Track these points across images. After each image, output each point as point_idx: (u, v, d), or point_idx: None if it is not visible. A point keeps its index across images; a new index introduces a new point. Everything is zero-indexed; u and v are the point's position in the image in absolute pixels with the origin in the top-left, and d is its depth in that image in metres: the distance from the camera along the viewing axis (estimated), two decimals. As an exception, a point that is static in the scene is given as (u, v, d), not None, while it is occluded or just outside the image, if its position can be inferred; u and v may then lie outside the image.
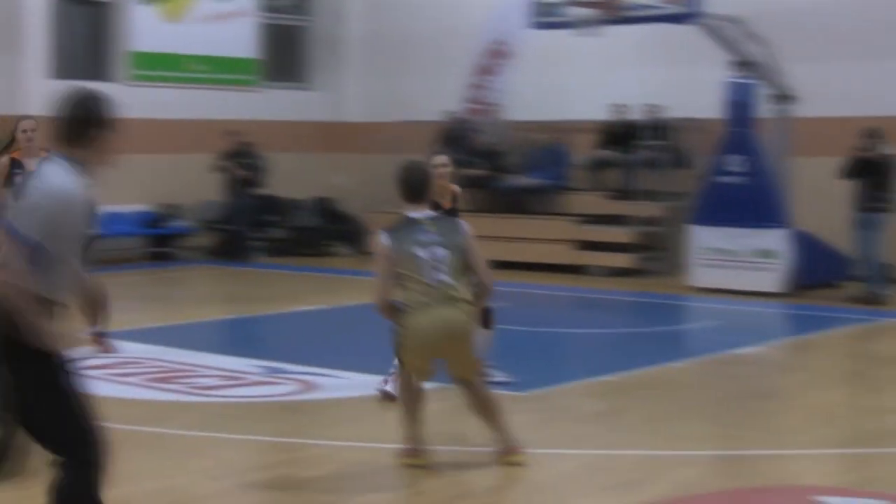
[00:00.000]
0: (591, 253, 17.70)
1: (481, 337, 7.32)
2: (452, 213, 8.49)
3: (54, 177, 4.65)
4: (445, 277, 6.84)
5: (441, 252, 6.87)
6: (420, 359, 7.00)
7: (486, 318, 8.18)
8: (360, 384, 9.20)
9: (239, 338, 12.88)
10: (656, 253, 17.88)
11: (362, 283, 17.36)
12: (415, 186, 7.02)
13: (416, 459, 7.07)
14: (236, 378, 9.75)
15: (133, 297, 15.73)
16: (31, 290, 4.48)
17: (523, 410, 8.46)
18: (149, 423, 8.04)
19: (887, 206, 14.62)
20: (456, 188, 9.20)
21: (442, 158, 9.21)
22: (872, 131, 14.74)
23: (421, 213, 7.01)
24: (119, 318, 13.03)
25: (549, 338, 12.47)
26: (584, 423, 8.42)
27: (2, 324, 4.51)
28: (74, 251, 4.66)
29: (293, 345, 11.85)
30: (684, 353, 11.61)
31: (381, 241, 6.95)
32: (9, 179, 8.89)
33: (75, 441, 4.65)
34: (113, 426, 4.92)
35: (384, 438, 7.45)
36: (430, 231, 6.92)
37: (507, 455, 7.13)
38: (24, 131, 9.18)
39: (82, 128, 4.80)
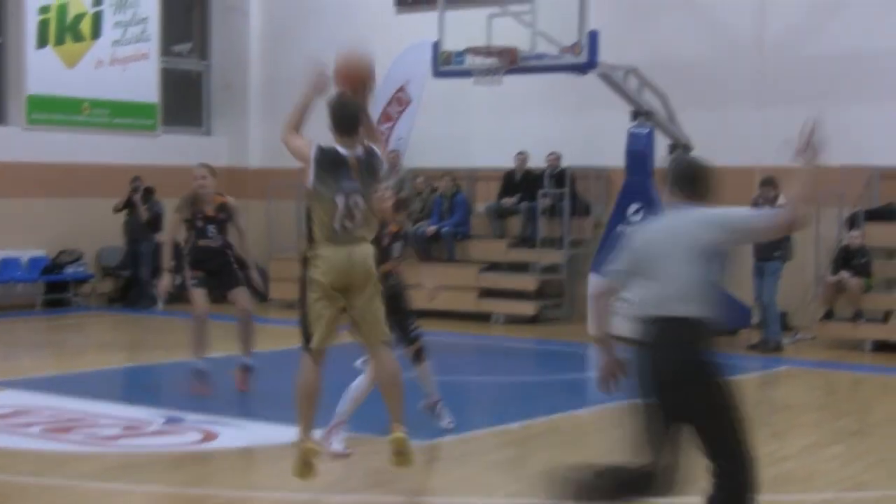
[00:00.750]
0: (493, 300, 17.76)
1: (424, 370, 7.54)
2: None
3: None
4: (353, 225, 7.10)
5: (359, 201, 7.11)
6: (327, 301, 7.06)
7: (418, 353, 8.46)
8: (262, 433, 9.08)
9: (139, 386, 12.65)
10: (557, 300, 18.01)
11: (264, 330, 17.20)
12: (346, 119, 7.38)
13: (314, 449, 7.07)
14: (136, 427, 9.58)
15: (26, 345, 15.45)
16: None
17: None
18: (43, 475, 7.84)
19: (783, 255, 14.90)
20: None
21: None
22: (768, 180, 15.04)
23: (350, 150, 7.25)
24: (10, 366, 12.85)
25: (453, 385, 12.42)
26: (491, 470, 8.41)
27: None
28: None
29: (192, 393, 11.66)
30: (587, 401, 11.65)
31: (311, 144, 7.41)
32: None
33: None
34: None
35: (286, 487, 7.35)
36: (353, 176, 7.14)
37: (392, 434, 7.25)
38: None
39: None
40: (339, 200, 7.09)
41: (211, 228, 11.15)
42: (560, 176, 17.90)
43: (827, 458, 8.99)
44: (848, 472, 8.43)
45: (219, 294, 11.37)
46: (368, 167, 7.25)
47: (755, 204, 14.90)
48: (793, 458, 8.90)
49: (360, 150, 7.28)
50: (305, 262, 7.28)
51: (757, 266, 14.96)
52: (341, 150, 7.24)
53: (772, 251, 14.75)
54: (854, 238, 15.33)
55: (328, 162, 7.20)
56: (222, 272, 11.28)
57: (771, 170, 15.50)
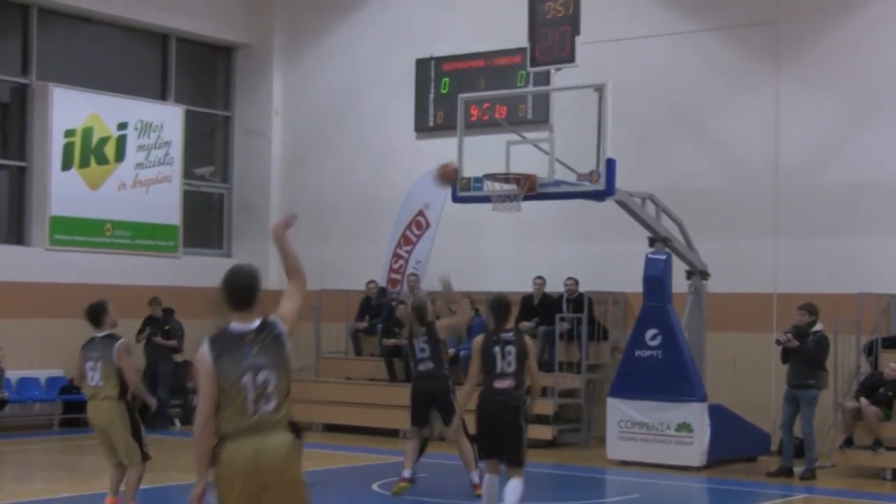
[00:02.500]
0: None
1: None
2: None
3: None
4: (269, 406, 5.98)
5: (266, 376, 6.01)
6: None
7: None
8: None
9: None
10: (575, 425, 17.95)
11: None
12: (240, 292, 6.16)
13: None
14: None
15: (40, 466, 15.43)
16: None
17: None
18: None
19: (818, 383, 14.78)
20: None
21: None
22: (812, 308, 14.96)
23: (246, 325, 6.12)
24: (23, 487, 12.81)
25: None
26: None
27: None
28: None
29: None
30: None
31: (205, 356, 6.04)
32: None
33: None
34: None
35: None
36: (255, 351, 6.03)
37: None
38: None
39: None
40: (246, 381, 5.99)
41: None
42: (578, 300, 17.97)
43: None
44: None
45: None
46: (270, 339, 6.14)
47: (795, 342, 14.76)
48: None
49: (255, 324, 6.16)
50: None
51: (790, 393, 14.88)
52: (235, 327, 6.16)
53: (806, 379, 14.66)
54: (892, 369, 15.06)
55: (224, 346, 6.07)
56: None
57: (782, 298, 15.57)
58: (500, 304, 10.50)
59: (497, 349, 10.13)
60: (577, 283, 18.12)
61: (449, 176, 13.83)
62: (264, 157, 22.32)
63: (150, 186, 20.59)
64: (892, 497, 13.63)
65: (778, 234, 17.20)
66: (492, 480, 10.31)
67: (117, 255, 20.07)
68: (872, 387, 15.17)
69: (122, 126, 20.32)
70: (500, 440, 10.10)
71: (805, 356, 14.66)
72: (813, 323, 14.80)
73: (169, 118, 20.98)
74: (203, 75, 22.69)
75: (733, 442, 15.67)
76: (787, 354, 14.87)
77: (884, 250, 16.42)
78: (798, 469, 14.73)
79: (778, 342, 14.94)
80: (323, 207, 21.55)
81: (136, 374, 11.20)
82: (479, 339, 10.24)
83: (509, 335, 10.24)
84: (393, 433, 18.27)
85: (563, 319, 17.88)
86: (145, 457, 10.77)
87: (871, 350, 15.71)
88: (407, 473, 12.61)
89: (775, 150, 17.33)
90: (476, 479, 12.14)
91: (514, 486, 10.02)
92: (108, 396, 10.76)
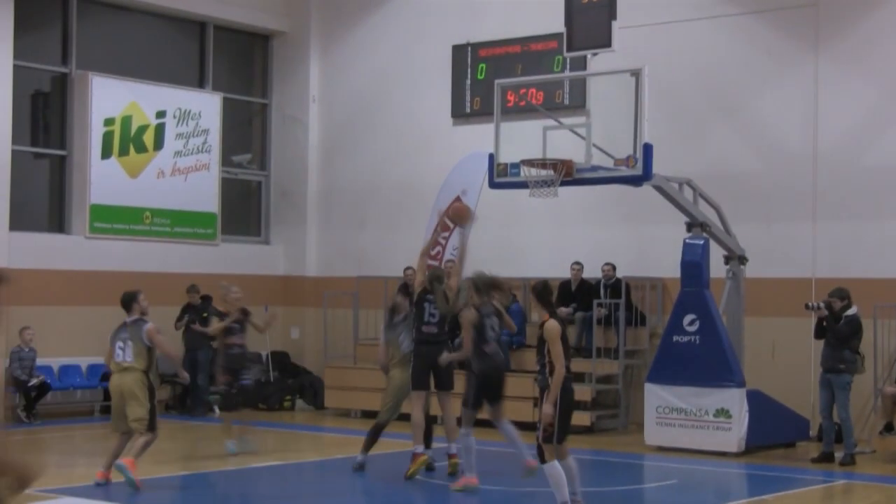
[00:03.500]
0: (547, 409, 17.67)
1: None
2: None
3: None
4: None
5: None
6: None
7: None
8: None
9: (192, 496, 12.70)
10: (613, 410, 17.93)
11: (320, 438, 17.29)
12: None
13: None
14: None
15: (83, 452, 15.56)
16: None
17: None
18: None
19: (850, 367, 14.73)
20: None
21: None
22: (842, 292, 14.91)
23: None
24: (66, 473, 12.94)
25: (507, 495, 12.41)
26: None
27: None
28: None
29: (248, 502, 11.71)
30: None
31: None
32: None
33: None
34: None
35: None
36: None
37: None
38: None
39: None
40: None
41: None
42: (615, 286, 17.94)
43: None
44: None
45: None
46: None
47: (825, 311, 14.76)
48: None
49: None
50: None
51: (824, 378, 14.83)
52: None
53: (838, 363, 14.61)
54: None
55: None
56: None
57: (821, 282, 15.50)
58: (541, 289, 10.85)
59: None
60: (614, 268, 18.09)
61: (462, 214, 14.08)
62: (301, 144, 22.38)
63: (188, 174, 20.70)
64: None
65: (816, 218, 17.09)
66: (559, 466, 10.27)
67: (156, 243, 20.20)
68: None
69: (161, 114, 20.43)
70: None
71: (836, 338, 14.61)
72: (846, 307, 14.73)
73: (207, 106, 21.07)
74: (241, 63, 22.77)
75: (772, 428, 15.61)
76: (820, 331, 14.82)
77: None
78: (838, 455, 14.65)
79: (807, 307, 14.90)
80: (360, 194, 21.60)
81: (171, 347, 12.78)
82: (557, 326, 10.39)
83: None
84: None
85: (600, 305, 17.85)
86: (153, 427, 11.97)
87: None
88: (420, 449, 12.69)
89: (814, 134, 17.21)
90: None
91: None
92: (135, 369, 11.95)
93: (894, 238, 16.49)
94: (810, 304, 14.94)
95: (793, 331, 16.68)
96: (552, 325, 10.34)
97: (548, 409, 9.92)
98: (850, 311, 14.73)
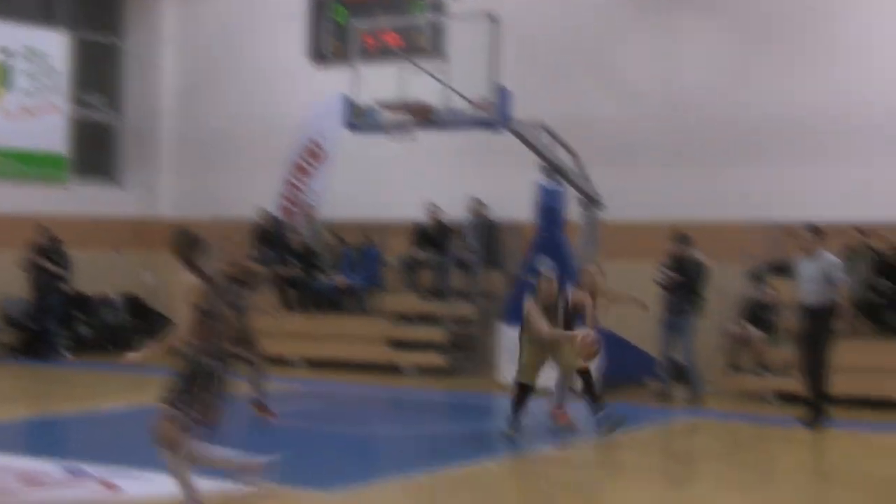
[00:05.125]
0: (403, 352, 17.80)
1: None
2: None
3: None
4: None
5: None
6: None
7: None
8: (163, 485, 8.97)
9: (41, 438, 12.48)
10: (468, 352, 18.09)
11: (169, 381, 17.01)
12: None
13: None
14: (37, 480, 9.44)
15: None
16: None
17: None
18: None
19: (693, 309, 15.15)
20: None
21: None
22: (682, 237, 15.26)
23: None
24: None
25: (360, 437, 12.45)
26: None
27: None
28: None
29: (98, 445, 11.56)
30: (496, 452, 11.72)
31: None
32: None
33: None
34: None
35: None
36: None
37: None
38: None
39: None
40: None
41: None
42: (472, 229, 18.05)
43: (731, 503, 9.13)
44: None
45: None
46: None
47: (667, 260, 15.13)
48: (695, 506, 9.03)
49: None
50: None
51: (669, 320, 15.20)
52: None
53: (683, 306, 15.01)
54: (759, 292, 15.61)
55: None
56: None
57: (680, 225, 15.81)
58: None
59: None
60: (478, 207, 18.20)
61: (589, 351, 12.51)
62: (156, 86, 21.96)
63: (36, 115, 20.14)
64: (774, 419, 13.95)
65: (671, 164, 17.38)
66: None
67: (3, 185, 19.65)
68: (755, 312, 15.55)
69: (8, 52, 19.81)
70: None
71: (683, 284, 15.02)
72: (688, 251, 15.13)
73: (55, 44, 20.49)
74: (92, 2, 22.16)
75: (623, 366, 15.89)
76: (668, 283, 15.20)
77: (773, 179, 16.68)
78: (684, 394, 15.06)
79: (660, 283, 15.24)
80: (217, 137, 21.31)
81: None
82: (195, 283, 7.99)
83: None
84: (286, 361, 18.28)
85: (457, 248, 17.94)
86: None
87: (757, 278, 16.02)
88: None
89: (670, 81, 17.49)
90: None
91: None
92: None
93: (742, 183, 16.87)
94: (660, 280, 15.26)
95: (647, 274, 16.93)
96: (188, 281, 7.99)
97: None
98: (694, 256, 15.11)
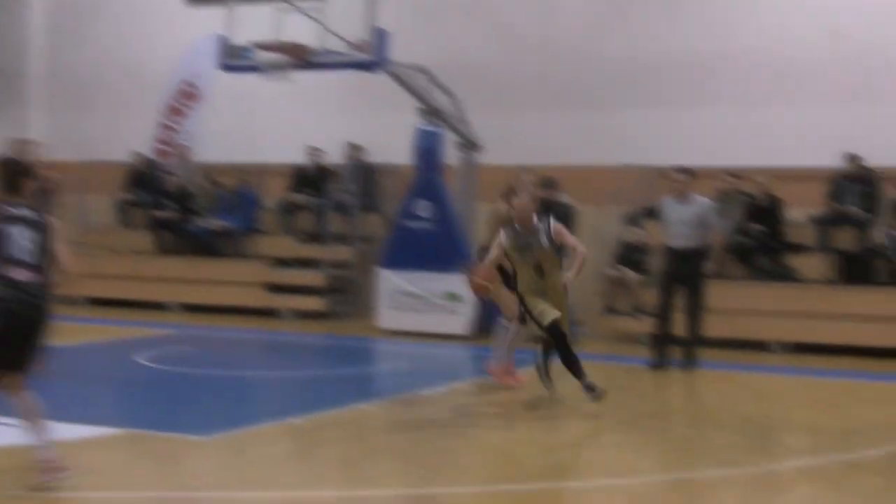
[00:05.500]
0: (281, 296, 17.70)
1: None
2: None
3: None
4: None
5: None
6: None
7: None
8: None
9: None
10: (346, 296, 18.06)
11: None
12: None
13: None
14: None
15: None
16: None
17: (207, 454, 8.38)
18: None
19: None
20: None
21: None
22: (547, 181, 15.38)
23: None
24: None
25: (236, 381, 12.38)
26: (271, 465, 8.39)
27: None
28: None
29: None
30: (373, 395, 11.76)
31: None
32: None
33: None
34: None
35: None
36: None
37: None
38: None
39: None
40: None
41: None
42: (351, 172, 17.96)
43: (601, 446, 9.27)
44: (619, 459, 8.71)
45: None
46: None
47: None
48: (569, 448, 9.16)
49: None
50: None
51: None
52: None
53: None
54: (633, 234, 15.87)
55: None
56: None
57: (552, 170, 15.90)
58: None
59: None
60: (351, 153, 18.11)
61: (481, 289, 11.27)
62: (23, 22, 21.35)
63: None
64: (646, 359, 14.16)
65: (548, 108, 17.48)
66: None
67: None
68: (631, 255, 15.78)
69: None
70: None
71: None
72: (555, 195, 15.25)
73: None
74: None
75: (500, 311, 15.99)
76: None
77: (647, 123, 16.87)
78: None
79: None
80: (88, 76, 20.81)
81: None
82: None
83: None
84: (161, 306, 18.08)
85: (336, 191, 17.84)
86: None
87: (633, 221, 16.23)
88: None
89: (546, 23, 17.54)
90: None
91: None
92: None
93: (618, 126, 17.02)
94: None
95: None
96: None
97: None
98: (561, 199, 15.27)
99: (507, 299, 11.40)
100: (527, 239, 10.27)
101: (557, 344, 10.29)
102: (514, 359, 11.69)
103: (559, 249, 10.40)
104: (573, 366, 10.40)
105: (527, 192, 10.88)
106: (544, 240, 10.25)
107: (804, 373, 13.34)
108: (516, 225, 10.28)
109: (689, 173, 13.08)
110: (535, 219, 10.29)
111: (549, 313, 10.20)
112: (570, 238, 10.47)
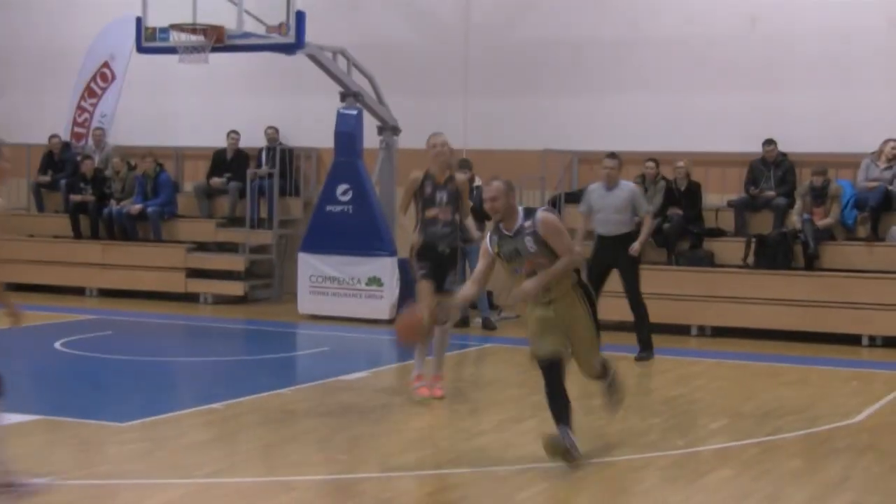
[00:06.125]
0: (200, 280, 17.52)
1: None
2: None
3: None
4: None
5: None
6: None
7: None
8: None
9: None
10: (267, 280, 17.93)
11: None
12: None
13: None
14: None
15: None
16: None
17: (125, 441, 8.28)
18: None
19: (480, 236, 15.31)
20: None
21: None
22: (463, 163, 15.43)
23: None
24: None
25: (154, 367, 12.24)
26: (190, 451, 8.30)
27: None
28: None
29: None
30: (292, 380, 11.68)
31: None
32: None
33: None
34: None
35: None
36: None
37: None
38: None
39: None
40: None
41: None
42: (271, 155, 17.83)
43: (522, 431, 9.28)
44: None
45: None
46: None
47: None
48: (490, 433, 9.16)
49: None
50: None
51: (461, 249, 15.31)
52: None
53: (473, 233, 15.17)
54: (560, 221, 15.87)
55: None
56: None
57: (471, 154, 15.93)
58: None
59: None
60: (274, 134, 18.00)
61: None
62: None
63: None
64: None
65: (468, 91, 17.47)
66: None
67: None
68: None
69: None
70: None
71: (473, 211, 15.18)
72: (471, 179, 15.29)
73: None
74: None
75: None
76: None
77: (568, 109, 16.93)
78: (476, 320, 15.30)
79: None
80: (2, 58, 20.44)
81: None
82: None
83: None
84: (78, 291, 17.84)
85: (256, 175, 17.70)
86: None
87: (554, 205, 16.28)
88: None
89: (466, 7, 17.52)
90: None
91: None
92: None
93: (541, 112, 17.06)
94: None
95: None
96: None
97: None
98: (476, 182, 15.35)
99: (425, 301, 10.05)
100: (514, 244, 7.95)
101: (546, 381, 8.09)
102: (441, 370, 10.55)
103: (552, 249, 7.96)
104: (557, 409, 8.06)
105: (443, 157, 10.21)
106: (530, 244, 7.88)
107: (724, 356, 13.47)
108: (500, 225, 8.05)
109: (618, 159, 13.01)
110: (520, 215, 8.02)
111: (544, 344, 8.04)
112: (561, 240, 7.95)
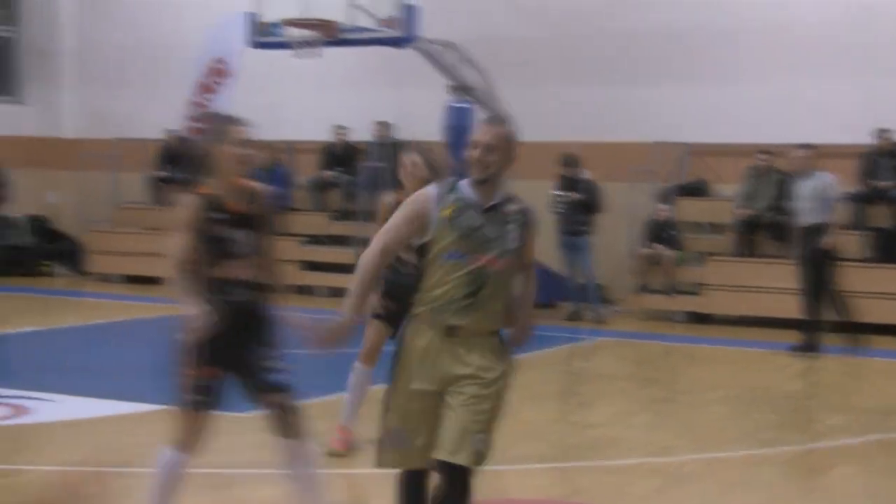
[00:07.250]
0: (315, 273, 17.70)
1: None
2: None
3: None
4: None
5: None
6: None
7: None
8: (74, 408, 8.90)
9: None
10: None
11: (78, 304, 16.89)
12: None
13: None
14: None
15: None
16: None
17: (245, 431, 8.43)
18: None
19: (590, 230, 15.33)
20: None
21: None
22: (570, 158, 15.39)
23: None
24: None
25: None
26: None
27: None
28: None
29: (5, 368, 11.39)
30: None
31: None
32: None
33: None
34: None
35: (98, 462, 7.24)
36: None
37: None
38: None
39: None
40: None
41: None
42: (382, 149, 17.95)
43: (634, 424, 9.25)
44: (653, 438, 8.69)
45: None
46: None
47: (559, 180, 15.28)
48: (601, 426, 9.13)
49: None
50: None
51: (567, 241, 15.38)
52: None
53: (579, 225, 15.22)
54: (661, 212, 15.81)
55: None
56: None
57: (579, 146, 15.88)
58: None
59: None
60: (382, 129, 18.10)
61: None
62: (53, 0, 21.43)
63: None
64: (682, 338, 14.14)
65: (575, 83, 17.38)
66: None
67: None
68: (656, 232, 15.72)
69: None
70: None
71: (580, 203, 15.20)
72: (578, 172, 15.30)
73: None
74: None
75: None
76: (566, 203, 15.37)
77: (680, 100, 16.74)
78: (590, 314, 15.26)
79: (556, 208, 15.34)
80: (120, 53, 20.84)
81: None
82: None
83: None
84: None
85: (366, 168, 17.82)
86: None
87: (665, 198, 16.17)
88: None
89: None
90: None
91: None
92: None
93: (650, 103, 16.87)
94: (557, 208, 15.40)
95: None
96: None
97: None
98: (584, 175, 15.32)
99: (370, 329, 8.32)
100: (484, 221, 5.23)
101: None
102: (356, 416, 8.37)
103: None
104: None
105: (417, 177, 7.52)
106: (514, 236, 5.30)
107: (842, 351, 13.20)
108: (472, 184, 5.29)
109: (811, 148, 12.83)
110: (513, 199, 5.42)
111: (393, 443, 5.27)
112: (533, 254, 5.54)
